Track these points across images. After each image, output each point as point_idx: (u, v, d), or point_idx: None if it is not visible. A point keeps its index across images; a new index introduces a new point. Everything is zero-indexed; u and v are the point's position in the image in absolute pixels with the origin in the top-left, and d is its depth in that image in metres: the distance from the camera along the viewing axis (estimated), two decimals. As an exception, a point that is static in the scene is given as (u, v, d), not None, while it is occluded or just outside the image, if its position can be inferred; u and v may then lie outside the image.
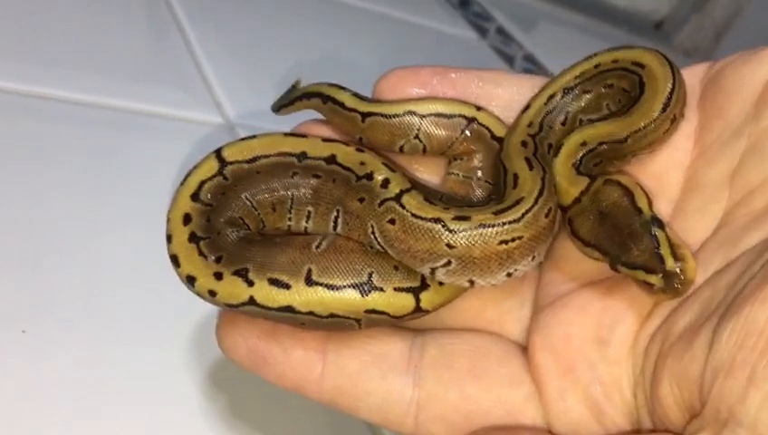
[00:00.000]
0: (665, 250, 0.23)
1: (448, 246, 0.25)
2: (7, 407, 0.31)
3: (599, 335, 0.26)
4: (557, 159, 0.27)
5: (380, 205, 0.26)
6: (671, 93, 0.26)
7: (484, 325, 0.29)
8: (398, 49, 0.72)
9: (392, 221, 0.26)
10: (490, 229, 0.25)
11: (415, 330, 0.29)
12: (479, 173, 0.29)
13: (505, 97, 0.29)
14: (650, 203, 0.25)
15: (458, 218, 0.25)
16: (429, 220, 0.25)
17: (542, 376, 0.27)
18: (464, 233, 0.25)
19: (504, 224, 0.25)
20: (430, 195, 0.27)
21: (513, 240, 0.25)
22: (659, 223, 0.24)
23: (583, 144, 0.27)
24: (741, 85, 0.25)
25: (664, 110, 0.26)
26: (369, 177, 0.27)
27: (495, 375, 0.27)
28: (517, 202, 0.25)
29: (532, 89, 0.29)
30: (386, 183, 0.27)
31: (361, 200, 0.27)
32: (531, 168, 0.27)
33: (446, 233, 0.25)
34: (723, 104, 0.25)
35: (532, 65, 0.80)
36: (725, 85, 0.25)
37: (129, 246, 0.40)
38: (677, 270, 0.23)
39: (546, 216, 0.26)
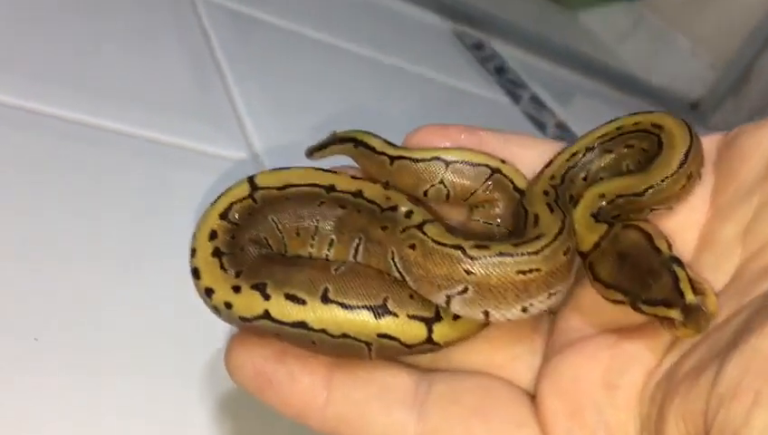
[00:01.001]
0: (684, 285, 0.24)
1: (467, 272, 0.25)
2: (17, 413, 0.31)
3: (607, 380, 0.26)
4: (576, 208, 0.28)
5: (402, 232, 0.27)
6: (688, 151, 0.27)
7: (493, 370, 0.29)
8: (430, 107, 0.73)
9: (413, 247, 0.27)
10: (509, 258, 0.25)
11: (423, 369, 0.29)
12: (499, 221, 0.30)
13: (529, 158, 0.30)
14: (670, 245, 0.26)
15: (478, 247, 0.26)
16: (449, 247, 0.26)
17: (549, 419, 0.27)
18: (482, 260, 0.25)
19: (522, 254, 0.25)
20: (452, 229, 0.28)
21: (530, 271, 0.25)
22: (678, 261, 0.25)
23: (602, 196, 0.28)
24: (755, 148, 0.26)
25: (681, 166, 0.27)
26: (394, 208, 0.28)
27: (502, 415, 0.27)
28: (537, 237, 0.26)
29: (557, 152, 0.30)
30: (409, 214, 0.28)
31: (384, 228, 0.28)
32: (551, 211, 0.27)
33: (466, 259, 0.25)
34: (737, 166, 0.26)
35: (563, 132, 0.81)
36: (740, 148, 0.26)
37: (150, 272, 0.41)
38: (698, 304, 0.23)
39: (565, 254, 0.26)
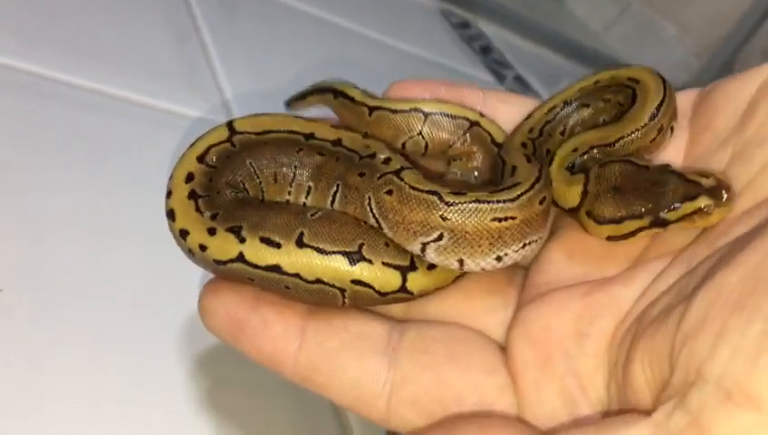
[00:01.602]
0: (692, 175, 0.24)
1: (442, 217, 0.25)
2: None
3: (578, 329, 0.26)
4: (552, 166, 0.28)
5: (380, 178, 0.27)
6: (660, 104, 0.27)
7: (466, 321, 0.29)
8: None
9: (389, 192, 0.26)
10: (485, 205, 0.25)
11: (397, 319, 0.29)
12: (477, 173, 0.30)
13: (509, 114, 0.30)
14: (647, 160, 0.27)
15: (454, 193, 0.26)
16: (426, 192, 0.26)
17: (519, 367, 0.26)
18: (458, 206, 0.25)
19: (498, 202, 0.25)
20: (429, 177, 0.28)
21: (505, 219, 0.25)
22: (668, 165, 0.25)
23: (575, 150, 0.28)
24: (728, 100, 0.26)
25: (652, 119, 0.27)
26: (372, 156, 0.28)
27: (472, 362, 0.27)
28: (513, 185, 0.26)
29: (535, 107, 0.31)
30: (387, 161, 0.28)
31: (362, 175, 0.27)
32: (529, 161, 0.27)
33: (442, 205, 0.25)
34: (711, 118, 0.26)
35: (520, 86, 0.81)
36: (714, 101, 0.26)
37: (123, 234, 0.40)
38: (715, 182, 0.24)
39: (540, 203, 0.26)
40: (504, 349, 0.28)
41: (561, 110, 0.29)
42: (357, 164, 0.28)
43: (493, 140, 0.30)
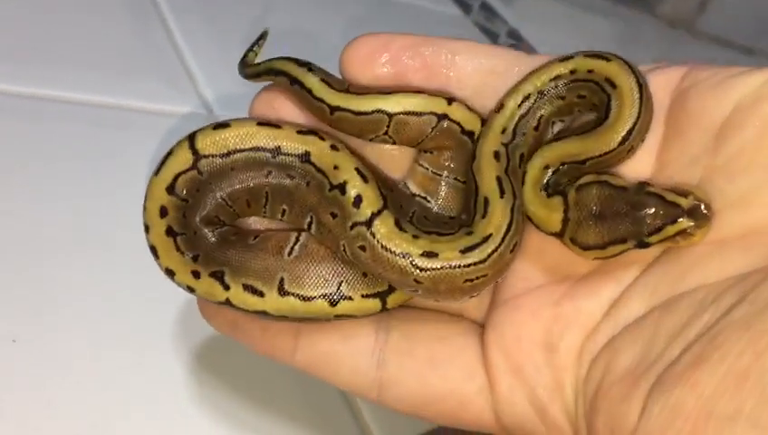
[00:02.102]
0: (671, 196, 0.24)
1: (416, 281, 0.26)
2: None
3: (547, 341, 0.27)
4: (525, 187, 0.28)
5: (352, 228, 0.27)
6: (633, 127, 0.26)
7: (447, 306, 0.31)
8: (377, 21, 0.71)
9: (363, 248, 0.27)
10: (457, 270, 0.26)
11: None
12: (447, 170, 0.29)
13: (479, 77, 0.28)
14: (623, 178, 0.26)
15: (426, 255, 0.26)
16: (398, 255, 0.26)
17: (495, 372, 0.28)
18: (431, 272, 0.26)
19: (470, 265, 0.26)
20: (402, 211, 0.28)
21: (478, 278, 0.26)
22: (647, 183, 0.25)
23: (546, 167, 0.28)
24: (703, 113, 0.25)
25: (622, 143, 0.26)
26: (343, 189, 0.27)
27: (453, 367, 0.29)
28: (485, 240, 0.26)
29: (507, 66, 0.28)
30: (358, 202, 0.27)
31: (334, 216, 0.27)
32: (502, 193, 0.27)
33: (414, 270, 0.26)
34: (684, 127, 0.26)
35: (516, 41, 0.80)
36: (690, 108, 0.26)
37: (115, 238, 0.40)
38: (694, 202, 0.24)
39: (512, 251, 0.27)
40: (482, 326, 0.30)
41: (535, 101, 0.28)
42: (328, 198, 0.27)
43: (463, 130, 0.29)
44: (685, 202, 0.24)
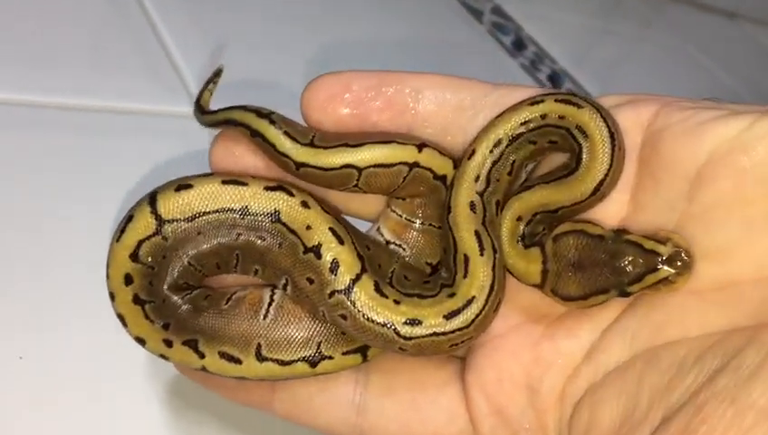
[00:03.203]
0: (651, 244, 0.24)
1: (401, 349, 0.26)
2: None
3: (529, 383, 0.28)
4: (502, 241, 0.28)
5: (330, 296, 0.26)
6: (605, 176, 0.26)
7: None
8: (361, 8, 0.71)
9: (344, 317, 0.26)
10: (441, 337, 0.26)
11: None
12: (420, 217, 0.29)
13: (444, 114, 0.28)
14: (599, 225, 0.26)
15: (410, 323, 0.26)
16: (381, 324, 0.26)
17: (476, 413, 0.29)
18: (415, 341, 0.26)
19: (454, 332, 0.26)
20: (380, 272, 0.27)
21: (462, 342, 0.26)
22: (624, 231, 0.25)
23: (519, 218, 0.27)
24: (677, 159, 0.25)
25: (594, 193, 0.26)
26: (318, 253, 0.26)
27: (434, 410, 0.29)
28: (468, 303, 0.26)
29: (473, 100, 0.28)
30: (335, 267, 0.26)
31: (310, 281, 0.27)
32: (482, 250, 0.26)
33: (399, 339, 0.26)
34: (658, 172, 0.25)
35: (501, 18, 0.80)
36: (663, 153, 0.25)
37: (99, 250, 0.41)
38: (673, 249, 0.24)
39: (495, 310, 0.27)
40: (462, 360, 0.30)
41: (507, 146, 0.27)
42: (302, 260, 0.27)
43: (435, 176, 0.28)
44: (664, 250, 0.24)
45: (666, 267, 0.24)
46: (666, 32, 0.98)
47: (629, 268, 0.24)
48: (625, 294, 0.25)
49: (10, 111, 0.45)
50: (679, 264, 0.24)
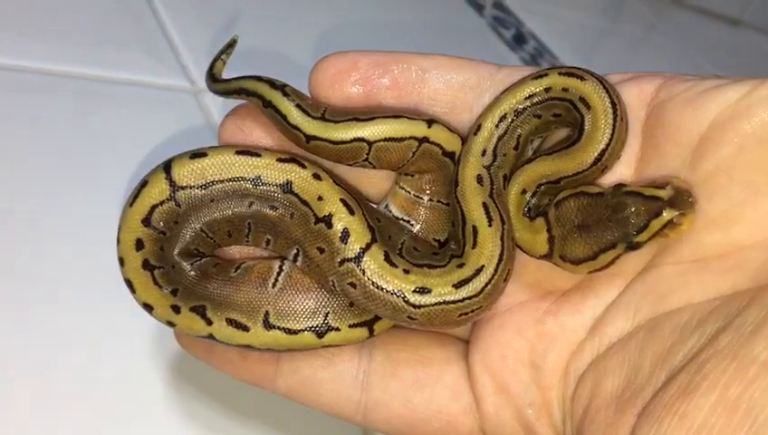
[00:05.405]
0: (649, 191, 0.24)
1: (410, 318, 0.26)
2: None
3: (532, 360, 0.27)
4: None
5: (341, 264, 0.26)
6: (606, 146, 0.26)
7: None
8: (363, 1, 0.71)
9: (353, 285, 0.26)
10: (451, 305, 0.26)
11: None
12: (428, 193, 0.29)
13: (450, 93, 0.28)
14: (598, 185, 0.26)
15: (419, 291, 0.26)
16: (390, 292, 0.26)
17: (480, 390, 0.28)
18: (424, 309, 0.26)
19: (464, 299, 0.26)
20: (390, 243, 0.27)
21: (472, 311, 0.26)
22: (621, 184, 0.25)
23: (523, 192, 0.28)
24: (680, 128, 0.25)
25: (595, 163, 0.26)
26: (329, 222, 0.26)
27: (438, 387, 0.29)
28: (477, 272, 0.26)
29: (478, 80, 0.28)
30: (345, 236, 0.26)
31: (321, 250, 0.27)
32: (490, 221, 0.26)
33: (408, 307, 0.26)
34: (661, 142, 0.25)
35: (502, 12, 0.80)
36: (666, 122, 0.25)
37: (94, 223, 0.40)
38: (674, 191, 0.24)
39: (505, 280, 0.26)
40: (466, 344, 0.30)
41: (512, 121, 0.27)
42: (313, 231, 0.27)
43: (444, 152, 0.28)
44: (664, 193, 0.24)
45: (669, 210, 0.24)
46: (669, 36, 0.97)
47: (633, 218, 0.24)
48: (634, 246, 0.24)
49: (17, 75, 0.45)
50: (682, 204, 0.24)
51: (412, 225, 0.29)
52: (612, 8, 0.99)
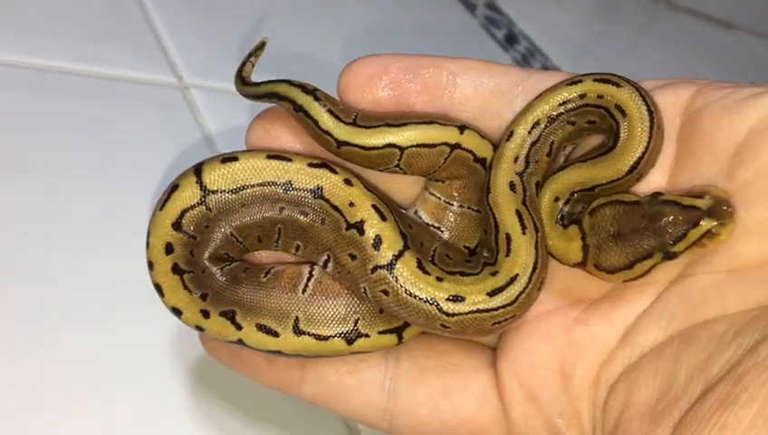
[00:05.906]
0: (687, 200, 0.24)
1: (443, 326, 0.26)
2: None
3: (562, 369, 0.27)
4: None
5: (373, 271, 0.26)
6: (642, 155, 0.26)
7: None
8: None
9: (385, 292, 0.26)
10: (485, 314, 0.25)
11: None
12: (458, 199, 0.29)
13: (481, 98, 0.28)
14: (634, 193, 0.26)
15: (453, 299, 0.25)
16: (423, 300, 0.25)
17: (508, 398, 0.28)
18: (458, 317, 0.25)
19: (498, 308, 0.25)
20: (423, 250, 0.27)
21: (506, 320, 0.26)
22: (658, 193, 0.25)
23: (556, 199, 0.27)
24: (717, 136, 0.24)
25: (631, 171, 0.26)
26: (360, 229, 0.26)
27: (465, 395, 0.29)
28: (511, 281, 0.26)
29: (510, 86, 0.28)
30: (378, 243, 0.26)
31: (353, 257, 0.26)
32: (523, 229, 0.26)
33: (441, 315, 0.25)
34: (697, 150, 0.25)
35: (494, 13, 0.80)
36: (702, 130, 0.25)
37: (85, 219, 0.40)
38: (713, 201, 0.23)
39: (538, 289, 0.26)
40: (494, 352, 0.29)
41: (545, 127, 0.27)
42: (345, 237, 0.26)
43: (476, 158, 0.28)
44: (702, 203, 0.23)
45: (707, 220, 0.23)
46: (662, 38, 0.97)
47: (671, 227, 0.24)
48: (671, 256, 0.24)
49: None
50: (721, 214, 0.23)
51: (442, 231, 0.29)
52: (605, 10, 0.99)
